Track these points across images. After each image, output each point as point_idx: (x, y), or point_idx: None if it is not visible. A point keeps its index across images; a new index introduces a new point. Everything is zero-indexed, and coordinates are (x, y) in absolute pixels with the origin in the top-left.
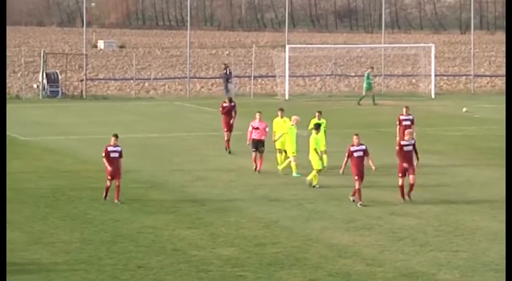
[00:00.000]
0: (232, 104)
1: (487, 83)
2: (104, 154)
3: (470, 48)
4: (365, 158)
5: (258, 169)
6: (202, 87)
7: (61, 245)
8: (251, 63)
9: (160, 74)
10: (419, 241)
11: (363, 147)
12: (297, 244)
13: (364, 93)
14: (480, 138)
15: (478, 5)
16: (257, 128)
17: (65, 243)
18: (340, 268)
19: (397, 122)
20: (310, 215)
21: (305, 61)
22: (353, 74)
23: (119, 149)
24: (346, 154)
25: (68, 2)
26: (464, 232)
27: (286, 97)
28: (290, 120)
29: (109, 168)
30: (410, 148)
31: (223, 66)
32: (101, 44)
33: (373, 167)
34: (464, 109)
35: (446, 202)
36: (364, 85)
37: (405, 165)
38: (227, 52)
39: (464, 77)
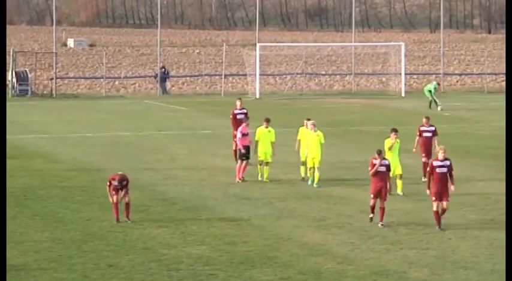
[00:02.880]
0: (245, 111)
1: (457, 81)
2: (107, 184)
3: (440, 47)
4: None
5: (241, 176)
6: (172, 85)
7: (31, 245)
8: (222, 62)
9: (130, 72)
10: (389, 239)
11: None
12: (268, 242)
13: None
14: (451, 136)
15: (447, 4)
16: (247, 134)
17: (35, 242)
18: (311, 266)
19: (417, 133)
20: (281, 213)
21: (276, 60)
22: (323, 72)
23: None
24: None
25: (37, 1)
26: (434, 230)
27: (257, 96)
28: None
29: (113, 199)
30: (445, 169)
31: (159, 65)
32: (70, 43)
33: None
34: (439, 108)
35: (416, 200)
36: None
37: (439, 188)
38: (197, 51)
39: (434, 76)
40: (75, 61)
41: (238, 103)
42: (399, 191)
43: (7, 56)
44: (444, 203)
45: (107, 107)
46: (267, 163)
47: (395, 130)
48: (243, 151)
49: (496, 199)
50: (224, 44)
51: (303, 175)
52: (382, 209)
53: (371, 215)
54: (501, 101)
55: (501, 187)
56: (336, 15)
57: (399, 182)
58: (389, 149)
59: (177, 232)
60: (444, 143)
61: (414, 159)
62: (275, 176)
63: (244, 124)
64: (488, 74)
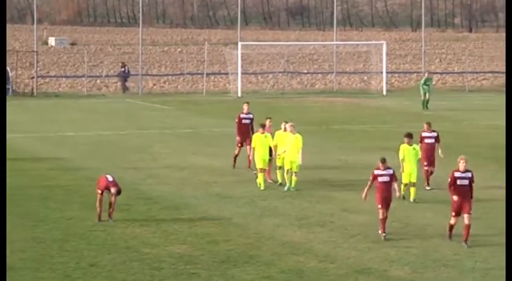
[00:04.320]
0: (251, 115)
1: (438, 80)
2: (100, 191)
3: (421, 46)
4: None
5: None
6: (154, 84)
7: (13, 244)
8: (203, 61)
9: (112, 71)
10: (371, 238)
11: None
12: (250, 241)
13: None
14: None
15: (428, 3)
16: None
17: (17, 242)
18: (293, 264)
19: (419, 140)
20: (262, 212)
21: (257, 58)
22: (305, 71)
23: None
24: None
25: None
26: (415, 228)
27: (239, 94)
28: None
29: (98, 210)
30: (466, 181)
31: (120, 64)
32: (51, 41)
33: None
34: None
35: (397, 199)
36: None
37: (458, 201)
38: (179, 49)
39: (415, 74)
40: (56, 60)
41: (245, 107)
42: (412, 198)
43: None
44: (466, 216)
45: (88, 106)
46: (264, 170)
47: (410, 135)
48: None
49: (477, 197)
50: (206, 42)
51: (279, 180)
52: (385, 220)
53: (383, 234)
54: (482, 99)
55: (483, 185)
56: (318, 14)
57: (412, 189)
58: (402, 160)
59: (159, 231)
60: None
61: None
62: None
63: (267, 126)
64: (470, 72)
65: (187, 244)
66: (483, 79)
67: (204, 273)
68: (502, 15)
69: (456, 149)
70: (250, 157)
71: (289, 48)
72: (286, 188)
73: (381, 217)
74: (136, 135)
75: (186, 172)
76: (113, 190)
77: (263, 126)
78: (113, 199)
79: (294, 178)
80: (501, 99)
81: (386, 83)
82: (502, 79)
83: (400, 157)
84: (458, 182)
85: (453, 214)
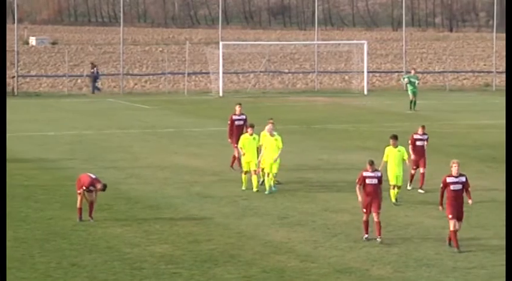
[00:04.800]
0: (244, 117)
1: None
2: (84, 188)
3: (402, 45)
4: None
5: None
6: (135, 84)
7: None
8: (185, 60)
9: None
10: (353, 237)
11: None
12: (232, 240)
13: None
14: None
15: (409, 3)
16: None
17: None
18: (275, 264)
19: (409, 142)
20: (244, 211)
21: (239, 58)
22: (286, 70)
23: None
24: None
25: None
26: (396, 228)
27: (220, 94)
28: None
29: (79, 206)
30: (459, 186)
31: (90, 65)
32: (32, 41)
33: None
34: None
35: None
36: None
37: (455, 208)
38: (160, 49)
39: (396, 74)
40: (37, 59)
41: (237, 108)
42: (393, 199)
43: None
44: (457, 223)
45: (69, 105)
46: (254, 171)
47: (395, 137)
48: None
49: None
50: (187, 42)
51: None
52: (378, 224)
53: (365, 236)
54: (462, 99)
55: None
56: (299, 13)
57: (395, 191)
58: (385, 161)
59: (140, 230)
60: (405, 141)
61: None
62: (238, 174)
63: (270, 125)
64: (450, 72)
65: (168, 244)
66: (464, 79)
67: (186, 273)
68: (482, 15)
69: (437, 149)
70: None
71: (271, 48)
72: (267, 191)
73: (364, 218)
74: (117, 135)
75: (168, 171)
76: (99, 185)
77: (252, 127)
78: (94, 197)
79: (268, 179)
80: (482, 99)
81: (368, 82)
82: (482, 79)
83: (384, 159)
84: (452, 187)
85: (450, 216)
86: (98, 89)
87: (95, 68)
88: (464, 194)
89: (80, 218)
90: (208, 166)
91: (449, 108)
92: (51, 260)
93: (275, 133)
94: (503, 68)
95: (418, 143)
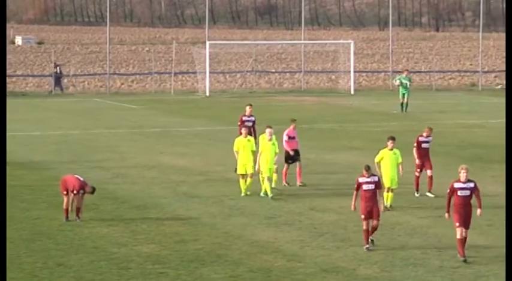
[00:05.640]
0: (253, 118)
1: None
2: (75, 192)
3: (389, 45)
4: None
5: (299, 181)
6: (122, 83)
7: None
8: (171, 60)
9: (79, 70)
10: (339, 236)
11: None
12: (218, 240)
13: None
14: (400, 134)
15: (396, 2)
16: (293, 138)
17: None
18: (261, 264)
19: (415, 144)
20: (231, 211)
21: (226, 58)
22: (273, 70)
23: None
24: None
25: None
26: (383, 227)
27: (207, 94)
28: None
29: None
30: (468, 192)
31: (53, 65)
32: (18, 40)
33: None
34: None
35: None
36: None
37: (461, 213)
38: (147, 49)
39: (383, 74)
40: (23, 59)
41: (248, 109)
42: (388, 203)
43: None
44: (464, 231)
45: (55, 105)
46: (251, 174)
47: (392, 138)
48: (291, 153)
49: (444, 196)
50: (174, 41)
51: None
52: (374, 228)
53: (366, 246)
54: (449, 98)
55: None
56: (286, 13)
57: (390, 195)
58: (377, 163)
59: (127, 230)
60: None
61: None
62: (225, 174)
63: (292, 127)
64: (437, 71)
65: (155, 244)
66: (450, 78)
67: (172, 272)
68: (468, 15)
69: None
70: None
71: (257, 48)
72: (262, 193)
73: (364, 227)
74: (104, 134)
75: (154, 171)
76: (88, 189)
77: (246, 127)
78: (81, 201)
79: (267, 184)
80: (468, 99)
81: (354, 82)
82: (468, 78)
83: (376, 160)
84: (459, 193)
85: (457, 224)
86: (62, 88)
87: (58, 68)
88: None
89: (67, 218)
90: (195, 165)
91: (436, 108)
92: (37, 260)
93: (273, 137)
94: (488, 67)
95: (424, 145)
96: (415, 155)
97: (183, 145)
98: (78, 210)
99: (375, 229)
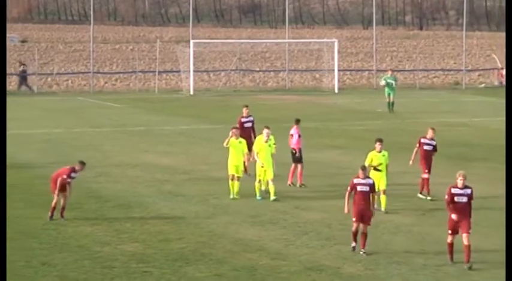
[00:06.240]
0: (252, 118)
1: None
2: (64, 176)
3: (373, 44)
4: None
5: (300, 181)
6: (106, 82)
7: None
8: (155, 59)
9: (63, 69)
10: (324, 235)
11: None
12: (203, 239)
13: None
14: (384, 132)
15: (379, 1)
16: (299, 136)
17: None
18: (246, 262)
19: (417, 145)
20: (215, 210)
21: (210, 56)
22: (257, 69)
23: (77, 175)
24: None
25: None
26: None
27: (191, 92)
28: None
29: (57, 191)
30: (465, 199)
31: (18, 64)
32: None
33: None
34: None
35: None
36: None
37: (456, 219)
38: (131, 47)
39: (366, 72)
40: (7, 57)
41: (245, 110)
42: (383, 207)
43: None
44: (464, 236)
45: (39, 103)
46: (238, 178)
47: (380, 140)
48: (297, 154)
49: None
50: (158, 40)
51: (262, 188)
52: (365, 235)
53: (353, 244)
54: (433, 97)
55: (434, 181)
56: (270, 11)
57: (383, 197)
58: (375, 167)
59: (111, 229)
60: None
61: (349, 155)
62: (209, 173)
63: (296, 126)
64: (420, 70)
65: (139, 242)
66: (434, 77)
67: (157, 271)
68: (452, 13)
69: (408, 147)
70: (250, 161)
71: (242, 46)
72: (258, 197)
73: (353, 229)
74: (87, 133)
75: (138, 169)
76: (77, 167)
77: (237, 128)
78: (69, 192)
79: (271, 186)
80: (452, 97)
81: (338, 80)
82: (452, 77)
83: (366, 164)
84: (456, 199)
85: (449, 232)
86: (29, 87)
87: (22, 66)
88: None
89: (51, 218)
90: (179, 164)
91: (420, 107)
92: (21, 259)
93: (271, 138)
94: (472, 66)
95: (426, 147)
96: (413, 156)
97: (167, 143)
98: (63, 209)
99: (365, 235)
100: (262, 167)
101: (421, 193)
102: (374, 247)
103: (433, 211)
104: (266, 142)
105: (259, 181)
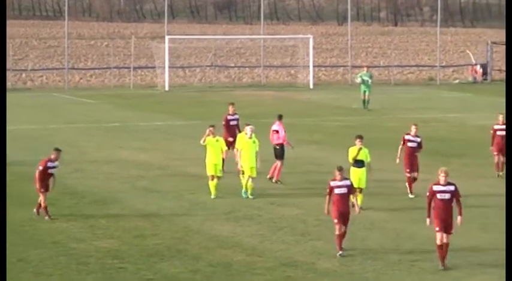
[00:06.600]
0: (237, 116)
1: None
2: (40, 168)
3: (348, 40)
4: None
5: (276, 177)
6: (81, 78)
7: None
8: (130, 55)
9: (37, 65)
10: (298, 231)
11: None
12: (178, 235)
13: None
14: (359, 128)
15: None
16: (277, 132)
17: None
18: (221, 258)
19: (402, 142)
20: (190, 206)
21: (185, 52)
22: (232, 65)
23: (57, 164)
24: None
25: None
26: None
27: (166, 88)
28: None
29: (38, 185)
30: (447, 196)
31: None
32: None
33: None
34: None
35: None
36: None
37: (441, 217)
38: (106, 43)
39: (341, 68)
40: None
41: (230, 108)
42: (359, 204)
43: None
44: (444, 235)
45: (14, 100)
46: (218, 177)
47: (360, 137)
48: (281, 150)
49: (402, 190)
50: (133, 36)
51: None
52: (343, 235)
53: (340, 252)
54: (407, 93)
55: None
56: (245, 7)
57: (359, 196)
58: (353, 159)
59: (86, 225)
60: (351, 136)
61: (326, 151)
62: (185, 169)
63: (278, 122)
64: (395, 66)
65: (114, 239)
66: (408, 73)
67: (132, 267)
68: (426, 10)
69: (384, 143)
70: (237, 159)
71: (217, 42)
72: (243, 194)
73: (337, 232)
74: (62, 129)
75: (113, 166)
76: (53, 155)
77: (213, 127)
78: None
79: (249, 183)
80: (426, 93)
81: (313, 76)
82: (427, 73)
83: (350, 160)
84: (439, 196)
85: (437, 229)
86: None
87: None
88: (455, 205)
89: (38, 213)
90: (155, 160)
91: (395, 102)
92: None
93: (253, 135)
94: (446, 62)
95: (410, 144)
96: (398, 154)
97: (142, 139)
98: (45, 208)
99: (343, 236)
100: (242, 172)
101: (410, 193)
102: (349, 243)
103: (410, 208)
104: (250, 137)
105: (249, 177)
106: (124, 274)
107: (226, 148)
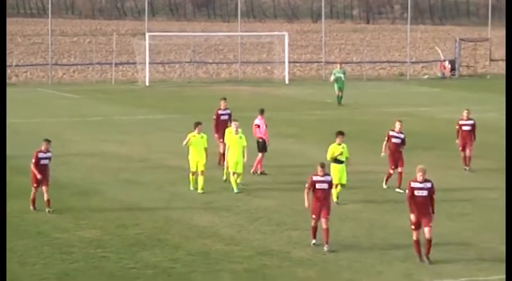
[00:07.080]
0: (229, 111)
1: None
2: (33, 161)
3: (322, 37)
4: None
5: (260, 169)
6: (64, 74)
7: None
8: (112, 51)
9: (22, 61)
10: (274, 221)
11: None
12: (158, 225)
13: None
14: (334, 122)
15: None
16: (259, 126)
17: None
18: (200, 247)
19: (386, 138)
20: (171, 197)
21: (165, 49)
22: (211, 61)
23: (49, 155)
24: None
25: None
26: None
27: (147, 84)
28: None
29: (38, 176)
30: (425, 193)
31: None
32: None
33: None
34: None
35: (300, 182)
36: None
37: (417, 214)
38: (88, 40)
39: (316, 64)
40: None
41: (222, 103)
42: (334, 198)
43: None
44: (426, 230)
45: None
46: (202, 172)
47: (341, 133)
48: (264, 144)
49: (374, 181)
50: (114, 33)
51: (232, 182)
52: (326, 230)
53: (313, 241)
54: (379, 88)
55: (378, 169)
56: (223, 5)
57: (337, 190)
58: (333, 158)
59: (69, 216)
60: (326, 129)
61: (301, 144)
62: (165, 161)
63: (260, 116)
64: (367, 62)
65: (97, 229)
66: (380, 68)
67: (114, 256)
68: (397, 8)
69: (358, 136)
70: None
71: (196, 39)
72: (235, 190)
73: (312, 224)
74: (47, 123)
75: (96, 158)
76: (43, 147)
77: (199, 123)
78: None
79: (234, 178)
80: (397, 88)
81: (289, 72)
82: (397, 68)
83: (328, 157)
84: (416, 193)
85: (413, 227)
86: None
87: None
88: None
89: (34, 208)
90: (136, 153)
91: (367, 97)
92: None
93: (240, 130)
94: (416, 58)
95: (394, 140)
96: (383, 149)
97: (124, 133)
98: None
99: (327, 230)
100: (227, 168)
101: (399, 188)
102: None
103: (380, 197)
104: (236, 133)
105: (234, 173)
106: (106, 262)
107: (207, 145)
